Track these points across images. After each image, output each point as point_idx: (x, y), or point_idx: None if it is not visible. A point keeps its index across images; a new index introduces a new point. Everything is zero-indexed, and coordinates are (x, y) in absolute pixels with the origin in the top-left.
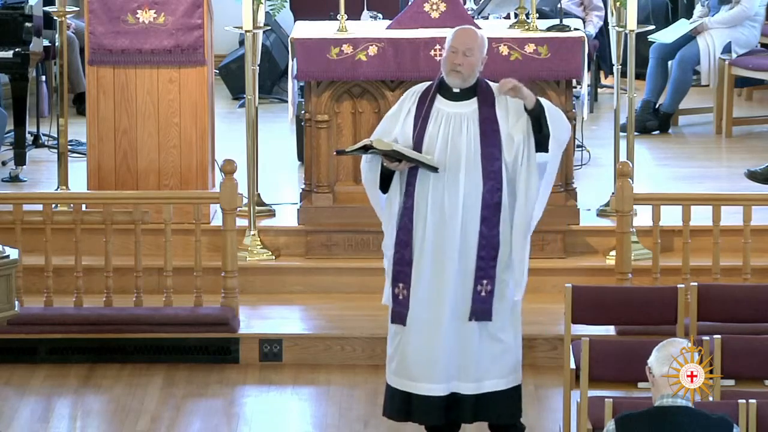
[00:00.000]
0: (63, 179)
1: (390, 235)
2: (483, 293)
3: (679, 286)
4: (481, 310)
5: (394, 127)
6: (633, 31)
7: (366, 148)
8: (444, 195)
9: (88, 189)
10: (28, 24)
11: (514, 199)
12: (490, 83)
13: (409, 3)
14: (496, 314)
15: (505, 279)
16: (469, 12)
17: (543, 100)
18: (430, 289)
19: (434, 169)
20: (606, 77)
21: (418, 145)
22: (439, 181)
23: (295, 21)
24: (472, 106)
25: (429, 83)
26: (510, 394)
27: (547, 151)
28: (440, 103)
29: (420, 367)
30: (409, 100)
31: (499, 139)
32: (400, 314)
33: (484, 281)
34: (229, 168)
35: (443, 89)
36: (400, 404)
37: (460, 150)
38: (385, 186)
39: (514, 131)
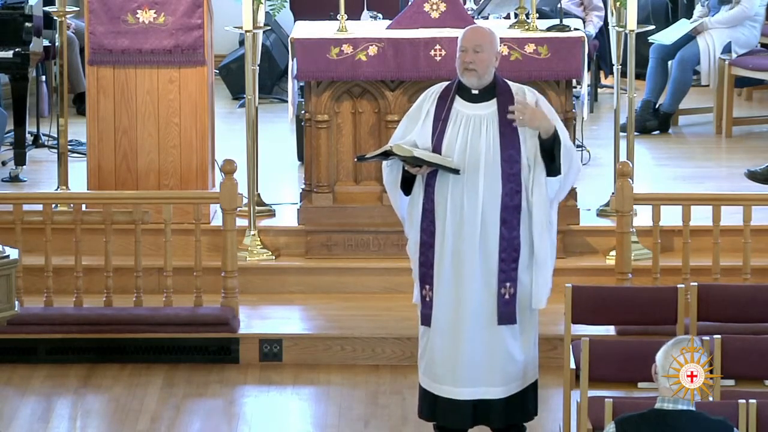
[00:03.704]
0: (63, 179)
1: (413, 237)
2: (507, 296)
3: (679, 286)
4: (507, 313)
5: (413, 128)
6: (633, 31)
7: (387, 154)
8: (463, 198)
9: (88, 189)
10: (28, 24)
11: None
12: (510, 83)
13: (409, 3)
14: (518, 316)
15: (524, 281)
16: (469, 12)
17: (563, 137)
18: (451, 292)
19: (455, 171)
20: (606, 77)
21: (437, 148)
22: (458, 184)
23: (295, 21)
24: (491, 107)
25: (447, 83)
26: (528, 391)
27: (554, 176)
28: (459, 105)
29: (444, 369)
30: (427, 101)
31: (519, 141)
32: (426, 316)
33: (507, 284)
34: (229, 168)
35: (462, 90)
36: (428, 405)
37: (480, 153)
38: (407, 188)
39: (529, 134)
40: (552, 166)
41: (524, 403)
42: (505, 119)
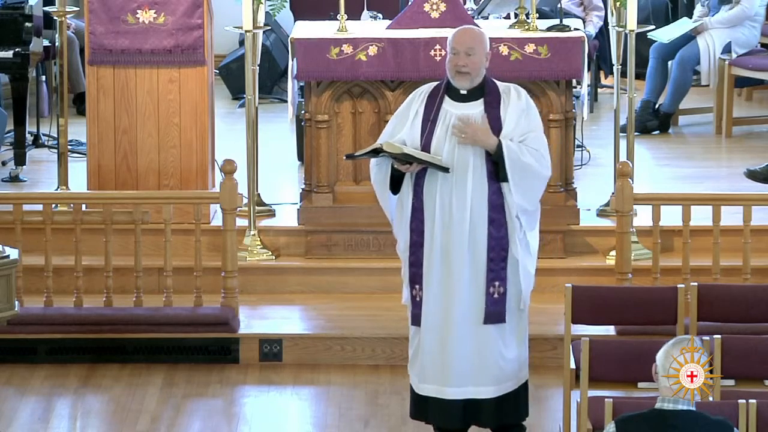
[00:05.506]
0: (63, 179)
1: (403, 236)
2: (496, 295)
3: (679, 286)
4: (495, 312)
5: (402, 128)
6: (633, 31)
7: (376, 152)
8: (452, 197)
9: (88, 189)
10: (28, 24)
11: None
12: (497, 83)
13: (409, 3)
14: (508, 315)
15: (514, 280)
16: (469, 12)
17: (508, 154)
18: (440, 291)
19: (445, 170)
20: (606, 77)
21: (426, 147)
22: (446, 184)
23: (295, 21)
24: (479, 107)
25: (436, 83)
26: (520, 392)
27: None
28: (448, 105)
29: (434, 369)
30: (416, 100)
31: None
32: (416, 316)
33: (496, 283)
34: (229, 168)
35: (451, 90)
36: (420, 406)
37: (468, 152)
38: (395, 187)
39: (512, 135)
40: (499, 173)
41: (517, 403)
42: (491, 119)
